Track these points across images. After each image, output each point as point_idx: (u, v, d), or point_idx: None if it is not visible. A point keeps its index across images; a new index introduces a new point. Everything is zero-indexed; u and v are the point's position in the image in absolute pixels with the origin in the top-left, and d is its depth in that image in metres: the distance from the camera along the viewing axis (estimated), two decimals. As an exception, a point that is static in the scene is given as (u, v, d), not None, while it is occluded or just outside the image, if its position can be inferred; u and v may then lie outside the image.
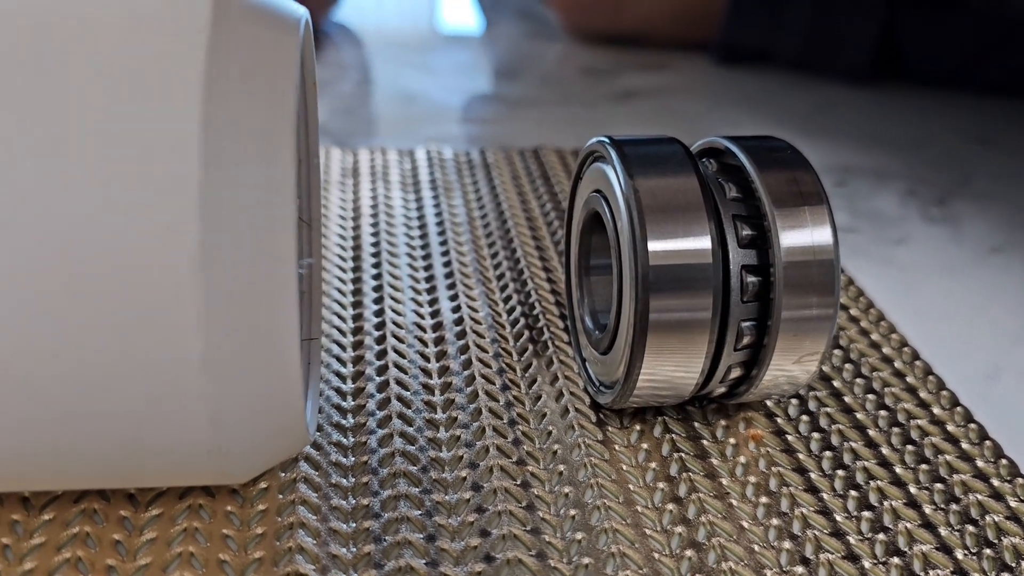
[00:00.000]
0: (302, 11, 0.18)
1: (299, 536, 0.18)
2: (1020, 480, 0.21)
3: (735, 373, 0.21)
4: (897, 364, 0.25)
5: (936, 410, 0.23)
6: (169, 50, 0.15)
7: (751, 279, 0.20)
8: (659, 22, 0.53)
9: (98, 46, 0.15)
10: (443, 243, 0.30)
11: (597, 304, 0.23)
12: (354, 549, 0.18)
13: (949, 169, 0.39)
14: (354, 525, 0.19)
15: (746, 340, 0.20)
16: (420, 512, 0.19)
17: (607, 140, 0.21)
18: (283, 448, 0.18)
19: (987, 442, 0.22)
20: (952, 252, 0.32)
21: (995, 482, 0.21)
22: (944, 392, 0.24)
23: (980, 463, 0.21)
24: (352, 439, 0.21)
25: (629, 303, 0.20)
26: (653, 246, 0.19)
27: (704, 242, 0.19)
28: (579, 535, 0.19)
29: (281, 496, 0.19)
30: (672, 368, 0.20)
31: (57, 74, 0.15)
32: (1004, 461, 0.21)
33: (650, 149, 0.21)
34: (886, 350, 0.25)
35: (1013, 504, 0.20)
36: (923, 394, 0.24)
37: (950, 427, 0.23)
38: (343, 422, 0.21)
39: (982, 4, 0.45)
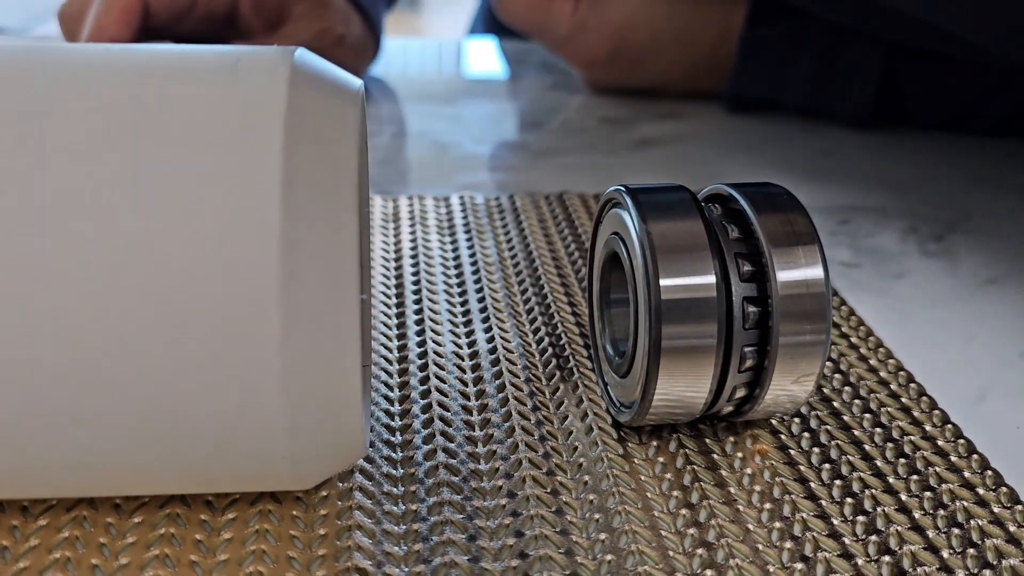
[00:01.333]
0: (358, 83, 0.20)
1: (357, 536, 0.21)
2: (1004, 489, 0.23)
3: (740, 393, 0.23)
4: (893, 386, 0.27)
5: (928, 427, 0.25)
6: (254, 120, 0.18)
7: (751, 309, 0.22)
8: (674, 76, 0.55)
9: (200, 117, 0.18)
10: (477, 281, 0.33)
11: (617, 333, 0.26)
12: (405, 547, 0.21)
13: (948, 207, 0.41)
14: (404, 527, 0.21)
15: (748, 363, 0.22)
16: (462, 516, 0.21)
17: (623, 189, 0.24)
18: (344, 456, 0.20)
19: (975, 456, 0.24)
20: (948, 284, 0.34)
21: (980, 490, 0.23)
22: (936, 411, 0.26)
23: (967, 474, 0.23)
24: (400, 454, 0.23)
25: (644, 332, 0.22)
26: (664, 282, 0.22)
27: (709, 278, 0.22)
28: (602, 535, 0.21)
29: (340, 502, 0.22)
30: (683, 389, 0.22)
31: (165, 143, 0.17)
32: (990, 472, 0.23)
33: (661, 197, 0.23)
34: (883, 374, 0.28)
35: (996, 510, 0.22)
36: (916, 413, 0.26)
37: (940, 442, 0.25)
38: (392, 439, 0.24)
39: (969, 57, 0.48)
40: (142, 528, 0.21)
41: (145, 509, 0.21)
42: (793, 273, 0.22)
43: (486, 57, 0.70)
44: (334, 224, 0.18)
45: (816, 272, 0.22)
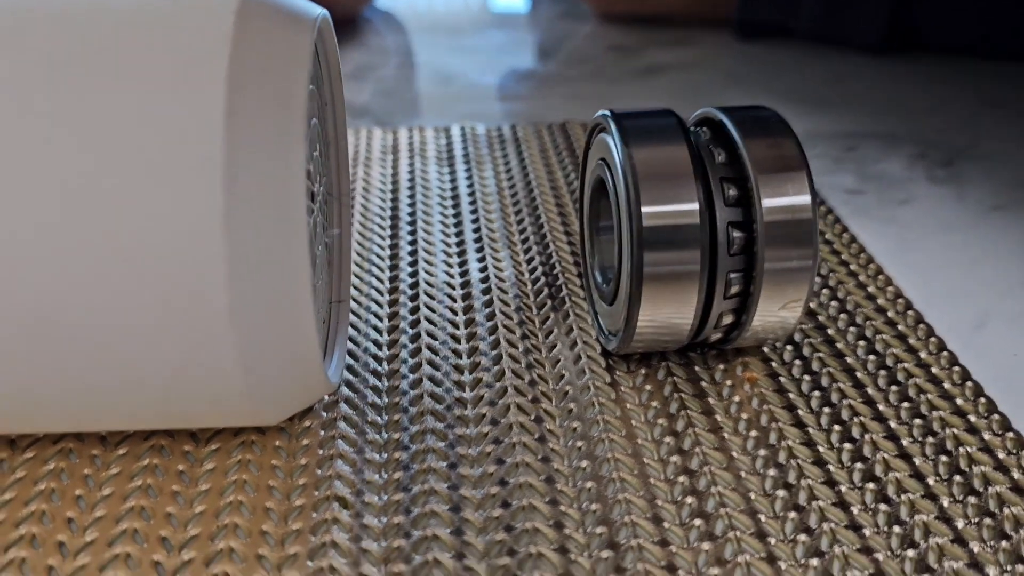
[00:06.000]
0: (318, 11, 0.20)
1: (338, 465, 0.21)
2: (996, 416, 0.23)
3: (727, 319, 0.23)
4: (890, 313, 0.27)
5: (923, 355, 0.25)
6: (199, 48, 0.17)
7: (737, 234, 0.22)
8: (684, 3, 0.54)
9: (139, 45, 0.17)
10: (473, 211, 0.32)
11: (605, 261, 0.26)
12: (385, 475, 0.21)
13: (959, 132, 0.40)
14: (386, 456, 0.21)
15: (734, 289, 0.22)
16: (444, 444, 0.21)
17: (609, 114, 0.23)
18: (307, 392, 0.20)
19: (968, 383, 0.24)
20: (954, 210, 0.33)
21: (972, 418, 0.22)
22: (932, 339, 0.26)
23: (960, 401, 0.23)
24: (386, 383, 0.23)
25: (627, 259, 0.22)
26: (646, 209, 0.21)
27: (692, 205, 0.21)
28: (584, 463, 0.21)
29: (323, 432, 0.22)
30: (668, 315, 0.22)
31: (106, 73, 0.17)
32: (983, 399, 0.23)
33: (647, 121, 0.23)
34: (881, 301, 0.27)
35: (987, 437, 0.22)
36: (912, 340, 0.25)
37: (935, 369, 0.24)
38: (379, 369, 0.24)
39: None
40: (126, 459, 0.21)
41: (130, 441, 0.21)
42: (779, 198, 0.21)
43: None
44: (281, 156, 0.17)
45: (803, 196, 0.22)
